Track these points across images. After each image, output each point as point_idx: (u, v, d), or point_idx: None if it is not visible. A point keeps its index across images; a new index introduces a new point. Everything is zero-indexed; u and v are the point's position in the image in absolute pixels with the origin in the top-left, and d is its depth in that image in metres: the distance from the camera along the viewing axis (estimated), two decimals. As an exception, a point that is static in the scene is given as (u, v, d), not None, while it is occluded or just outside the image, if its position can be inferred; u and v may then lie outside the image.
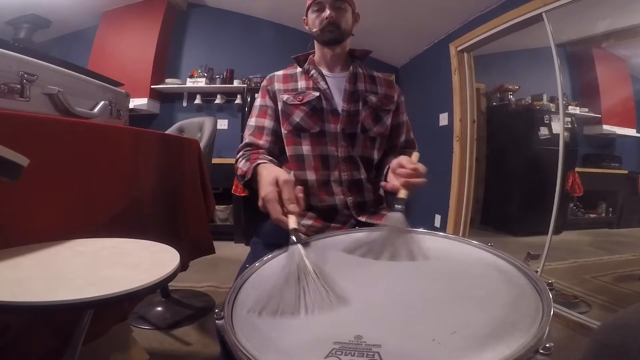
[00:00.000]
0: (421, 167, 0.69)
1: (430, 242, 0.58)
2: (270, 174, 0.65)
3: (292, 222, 0.57)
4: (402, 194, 0.67)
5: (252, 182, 0.78)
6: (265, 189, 0.61)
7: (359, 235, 0.64)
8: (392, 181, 0.71)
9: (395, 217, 0.62)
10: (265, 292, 0.44)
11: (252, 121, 0.92)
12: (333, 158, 0.88)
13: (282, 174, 0.64)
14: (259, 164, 0.76)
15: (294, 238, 0.54)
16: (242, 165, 0.83)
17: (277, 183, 0.62)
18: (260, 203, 0.62)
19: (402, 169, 0.69)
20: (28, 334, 0.58)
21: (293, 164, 0.89)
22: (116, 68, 3.02)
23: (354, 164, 0.89)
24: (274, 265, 0.54)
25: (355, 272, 0.50)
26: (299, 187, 0.64)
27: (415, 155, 0.75)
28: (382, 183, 0.75)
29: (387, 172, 0.83)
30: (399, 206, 0.64)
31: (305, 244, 0.57)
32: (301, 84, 0.92)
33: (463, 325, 0.34)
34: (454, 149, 2.69)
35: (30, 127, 0.66)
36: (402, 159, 0.72)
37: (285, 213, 0.59)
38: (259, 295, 0.44)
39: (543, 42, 1.98)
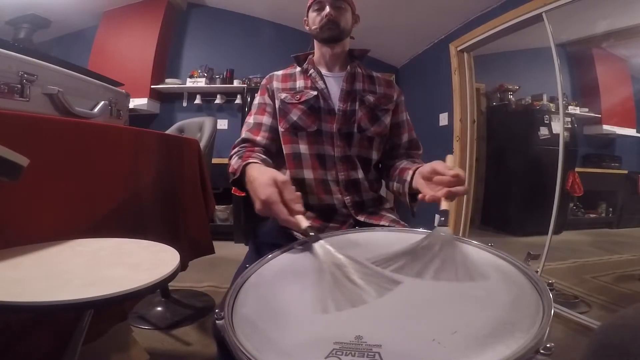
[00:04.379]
0: (461, 173, 0.62)
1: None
2: (264, 174, 0.62)
3: (303, 221, 0.56)
4: (445, 205, 0.60)
5: (240, 181, 0.74)
6: (266, 191, 0.58)
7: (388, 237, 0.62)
8: (426, 190, 0.66)
9: (443, 232, 0.55)
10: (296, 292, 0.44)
11: (250, 119, 0.92)
12: (330, 157, 0.88)
13: (278, 174, 0.62)
14: (249, 163, 0.73)
15: (312, 234, 0.54)
16: (234, 163, 0.79)
17: (276, 184, 0.59)
18: (259, 206, 0.59)
19: (442, 177, 0.63)
20: (28, 334, 0.58)
21: (290, 163, 0.89)
22: (116, 68, 3.02)
23: (351, 164, 0.88)
24: (275, 265, 0.54)
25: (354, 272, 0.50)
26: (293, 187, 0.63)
27: (450, 158, 0.68)
28: (420, 196, 0.67)
29: (411, 178, 0.79)
30: (443, 219, 0.57)
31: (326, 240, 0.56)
32: (299, 83, 0.92)
33: (463, 326, 0.34)
34: (454, 149, 2.69)
35: (30, 127, 0.66)
36: (437, 165, 0.66)
37: (293, 213, 0.57)
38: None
39: (543, 42, 1.98)
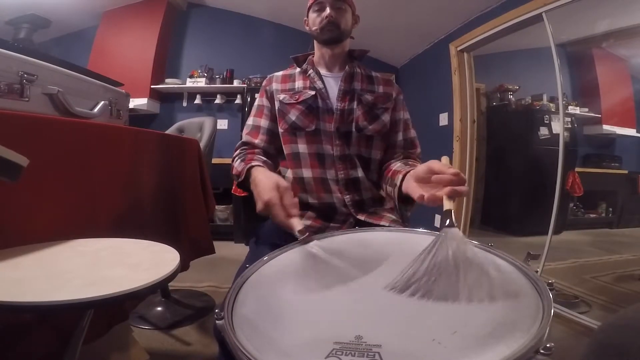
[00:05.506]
0: (460, 172, 0.58)
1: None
2: (269, 179, 0.68)
3: (297, 223, 0.61)
4: (449, 205, 0.54)
5: (245, 183, 0.80)
6: (269, 194, 0.64)
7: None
8: (419, 192, 0.60)
9: (455, 234, 0.48)
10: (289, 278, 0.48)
11: (250, 120, 0.95)
12: (329, 156, 0.88)
13: (281, 180, 0.68)
14: (253, 166, 0.78)
15: (298, 235, 0.59)
16: (237, 165, 0.85)
17: (278, 189, 0.65)
18: (261, 207, 0.65)
19: (442, 176, 0.57)
20: (28, 334, 0.58)
21: (290, 162, 0.90)
22: (116, 68, 3.01)
23: (350, 163, 0.89)
24: (274, 265, 0.54)
25: (354, 272, 0.50)
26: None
27: (446, 159, 0.64)
28: (418, 196, 0.60)
29: (402, 180, 0.75)
30: (447, 221, 0.50)
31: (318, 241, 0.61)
32: (298, 83, 0.93)
33: (463, 326, 0.34)
34: (454, 149, 2.69)
35: (30, 127, 0.66)
36: (434, 164, 0.62)
37: (289, 216, 0.62)
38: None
39: (543, 42, 1.98)
